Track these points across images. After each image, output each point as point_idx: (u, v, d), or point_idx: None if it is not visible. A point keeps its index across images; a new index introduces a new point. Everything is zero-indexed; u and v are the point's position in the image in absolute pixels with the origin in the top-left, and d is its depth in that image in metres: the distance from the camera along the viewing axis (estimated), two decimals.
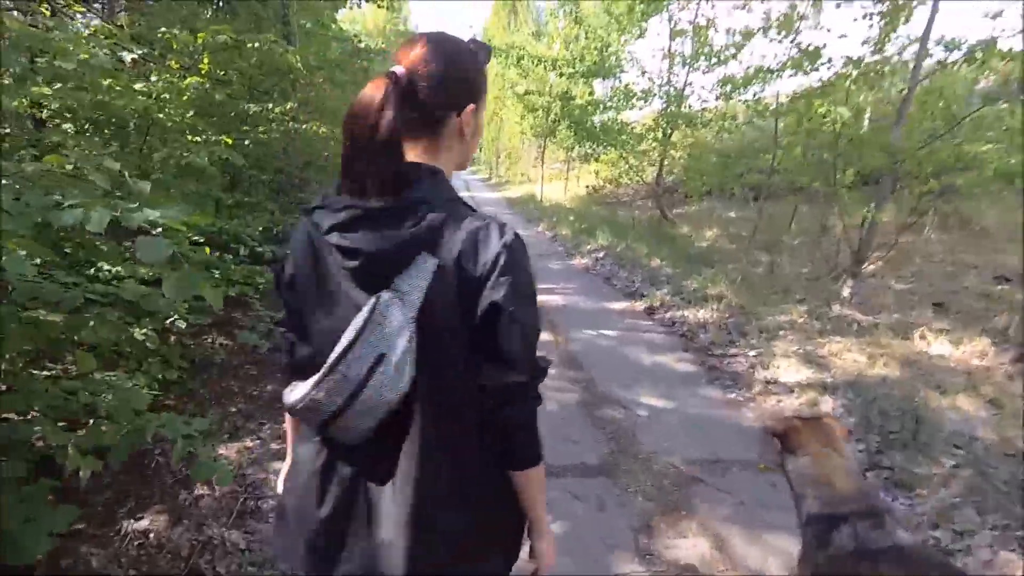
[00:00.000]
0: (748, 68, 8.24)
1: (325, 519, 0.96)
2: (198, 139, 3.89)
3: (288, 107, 5.01)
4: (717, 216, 12.00)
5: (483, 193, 23.10)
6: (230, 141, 3.99)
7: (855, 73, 5.51)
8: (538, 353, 0.96)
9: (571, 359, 4.31)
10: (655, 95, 10.85)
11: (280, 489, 1.17)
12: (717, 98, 10.48)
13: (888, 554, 1.33)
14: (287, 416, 1.13)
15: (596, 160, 11.62)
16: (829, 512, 1.45)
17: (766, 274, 7.22)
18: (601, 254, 8.71)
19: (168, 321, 3.00)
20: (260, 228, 4.13)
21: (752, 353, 4.43)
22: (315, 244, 0.95)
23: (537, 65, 11.73)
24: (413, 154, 0.95)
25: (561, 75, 11.33)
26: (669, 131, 10.75)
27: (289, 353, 1.03)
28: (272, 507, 2.38)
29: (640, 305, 6.01)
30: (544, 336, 4.97)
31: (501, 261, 0.89)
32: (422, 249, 0.88)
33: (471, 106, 0.97)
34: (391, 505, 0.93)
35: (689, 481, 2.68)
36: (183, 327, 3.15)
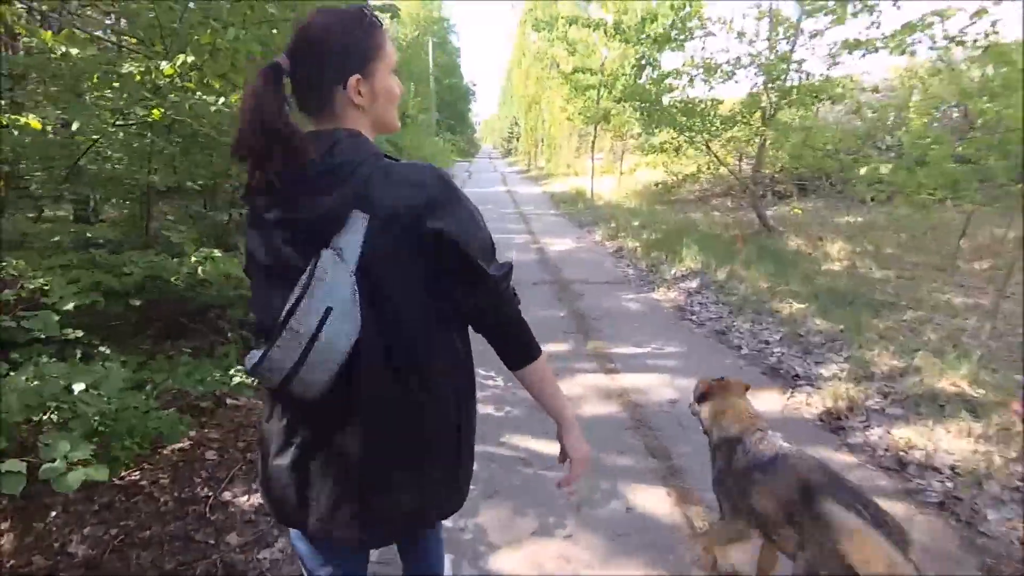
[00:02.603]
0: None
1: (290, 477, 1.03)
2: None
3: (180, 62, 2.70)
4: (827, 221, 9.27)
5: (522, 188, 20.42)
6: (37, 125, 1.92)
7: None
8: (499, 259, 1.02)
9: None
10: (752, 64, 8.15)
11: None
12: (831, 65, 7.83)
13: (775, 461, 1.64)
14: None
15: (674, 151, 8.92)
16: (725, 436, 1.84)
17: (985, 324, 4.54)
18: (694, 284, 6.15)
19: None
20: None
21: None
22: (259, 224, 1.01)
23: (595, 29, 9.13)
24: (322, 126, 1.00)
25: (626, 41, 8.71)
26: (772, 111, 8.07)
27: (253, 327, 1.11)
28: None
29: (808, 404, 3.45)
30: (658, 497, 2.53)
31: (432, 195, 0.94)
32: (353, 207, 0.92)
33: (355, 77, 0.97)
34: (345, 462, 1.00)
35: None
36: None
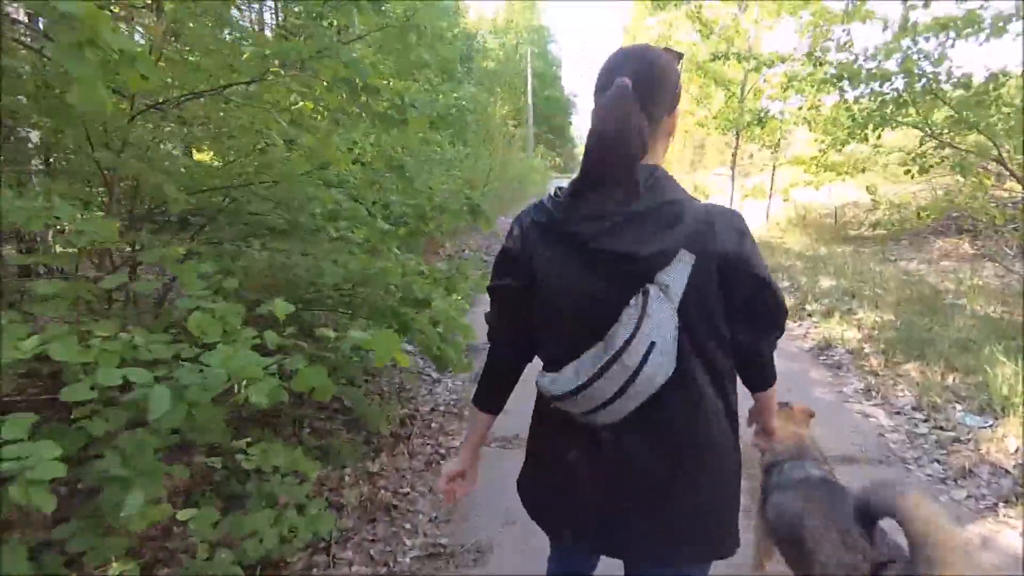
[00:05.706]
0: None
1: (595, 499, 1.07)
2: None
3: None
4: None
5: None
6: None
7: None
8: None
9: None
10: None
11: (443, 481, 1.27)
12: None
13: (802, 483, 1.66)
14: (478, 413, 1.24)
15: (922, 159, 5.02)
16: (771, 460, 1.80)
17: None
18: None
19: None
20: None
21: None
22: (563, 250, 1.02)
23: None
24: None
25: None
26: None
27: (503, 349, 1.20)
28: None
29: None
30: None
31: (749, 241, 1.00)
32: (681, 246, 0.95)
33: (678, 107, 1.06)
34: (650, 481, 1.03)
35: None
36: None
